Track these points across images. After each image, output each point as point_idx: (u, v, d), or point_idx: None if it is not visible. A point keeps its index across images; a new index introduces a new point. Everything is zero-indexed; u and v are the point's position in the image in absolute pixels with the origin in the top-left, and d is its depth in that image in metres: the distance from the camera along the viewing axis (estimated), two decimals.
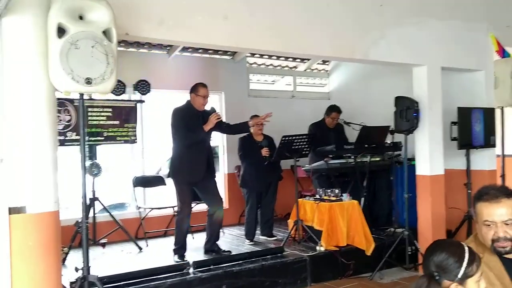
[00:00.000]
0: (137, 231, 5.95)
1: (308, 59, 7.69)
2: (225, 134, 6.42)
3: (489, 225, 1.95)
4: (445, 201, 5.27)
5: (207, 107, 4.95)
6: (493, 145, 5.51)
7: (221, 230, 5.59)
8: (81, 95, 3.04)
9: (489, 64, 5.53)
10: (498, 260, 1.94)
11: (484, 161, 5.58)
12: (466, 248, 1.71)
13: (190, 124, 4.73)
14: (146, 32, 3.53)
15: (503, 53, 5.58)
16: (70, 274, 3.82)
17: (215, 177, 5.05)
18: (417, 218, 5.21)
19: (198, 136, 4.72)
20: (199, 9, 3.72)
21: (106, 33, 2.99)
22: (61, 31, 2.85)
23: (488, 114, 5.41)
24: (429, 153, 5.08)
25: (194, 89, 4.83)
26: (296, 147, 5.36)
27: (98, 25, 2.95)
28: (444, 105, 5.23)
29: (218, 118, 4.77)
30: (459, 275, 1.66)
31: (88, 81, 2.90)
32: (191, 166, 4.75)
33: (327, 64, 8.17)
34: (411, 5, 4.99)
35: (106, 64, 2.96)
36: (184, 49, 6.51)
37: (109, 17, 2.98)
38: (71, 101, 5.11)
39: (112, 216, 5.41)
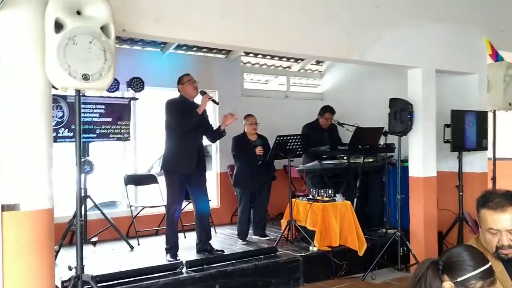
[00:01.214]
0: (128, 230, 5.90)
1: (302, 59, 7.69)
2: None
3: (493, 233, 1.96)
4: (437, 202, 5.30)
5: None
6: (485, 148, 5.55)
7: (212, 229, 5.58)
8: (78, 91, 2.99)
9: (483, 67, 5.58)
10: (500, 264, 1.95)
11: (475, 163, 5.62)
12: (489, 265, 1.64)
13: (186, 112, 4.75)
14: (143, 29, 3.50)
15: (496, 56, 5.63)
16: (61, 272, 3.77)
17: (205, 173, 5.05)
18: (409, 219, 5.24)
19: (193, 120, 4.72)
20: (197, 6, 3.69)
21: (104, 28, 2.95)
22: (58, 26, 2.81)
23: (481, 117, 5.45)
24: (423, 155, 5.10)
25: (179, 81, 4.93)
26: (291, 147, 5.36)
27: (96, 21, 2.91)
28: (437, 107, 5.26)
29: (209, 98, 4.80)
30: (462, 278, 1.60)
31: (86, 77, 2.86)
32: (183, 157, 4.76)
33: (321, 65, 8.18)
34: (407, 7, 5.01)
35: (104, 60, 2.92)
36: (178, 46, 6.48)
37: (107, 12, 2.94)
38: (64, 97, 5.05)
39: (103, 214, 5.36)
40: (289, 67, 7.95)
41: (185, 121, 4.72)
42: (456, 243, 5.30)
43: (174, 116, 4.77)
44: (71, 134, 5.12)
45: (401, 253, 5.13)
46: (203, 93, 4.87)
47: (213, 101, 5.01)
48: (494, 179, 5.70)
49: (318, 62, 8.08)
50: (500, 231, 1.94)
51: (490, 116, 5.65)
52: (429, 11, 5.17)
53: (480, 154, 5.62)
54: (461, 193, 5.36)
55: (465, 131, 5.29)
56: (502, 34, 5.74)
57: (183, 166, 4.76)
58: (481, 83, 5.56)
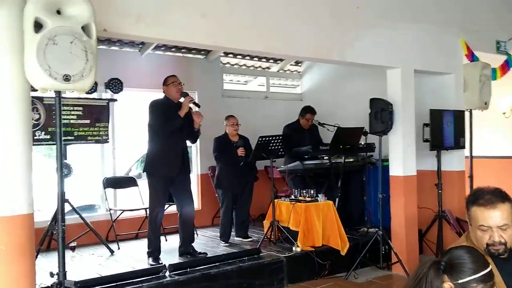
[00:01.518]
0: (107, 234, 5.79)
1: (282, 60, 7.70)
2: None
3: (484, 230, 1.97)
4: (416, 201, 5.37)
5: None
6: (463, 147, 5.66)
7: (194, 232, 5.52)
8: (58, 92, 2.92)
9: (459, 67, 5.69)
10: (490, 260, 1.97)
11: (453, 162, 5.72)
12: (489, 269, 1.65)
13: (168, 114, 4.67)
14: (124, 29, 3.44)
15: (472, 57, 5.75)
16: (40, 279, 3.66)
17: (190, 175, 5.00)
18: (389, 218, 5.29)
19: (175, 123, 4.65)
20: (178, 6, 3.65)
21: (85, 28, 2.89)
22: (38, 26, 2.74)
23: (458, 116, 5.55)
24: (403, 154, 5.16)
25: (164, 82, 4.86)
26: (273, 147, 5.35)
27: (77, 20, 2.85)
28: (416, 107, 5.32)
29: (190, 100, 4.75)
30: (462, 280, 1.61)
31: (67, 78, 2.79)
32: (167, 159, 4.69)
33: (300, 65, 8.21)
34: (385, 8, 5.06)
35: (85, 61, 2.86)
36: (157, 47, 6.39)
37: (89, 12, 2.88)
38: (40, 98, 4.92)
39: (82, 218, 5.23)
40: (268, 67, 7.94)
41: (168, 124, 4.65)
42: (436, 240, 5.39)
43: (156, 119, 4.69)
44: (48, 137, 4.99)
45: (383, 252, 5.18)
46: (185, 95, 4.81)
47: (195, 103, 4.95)
48: (471, 177, 5.81)
49: (297, 63, 8.11)
50: (491, 228, 1.96)
51: (466, 115, 5.77)
52: (407, 12, 5.24)
53: (458, 153, 5.72)
54: (440, 191, 5.44)
55: (443, 130, 5.38)
56: (477, 34, 5.87)
57: (167, 169, 4.69)
58: (457, 83, 5.67)
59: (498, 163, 7.20)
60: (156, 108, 4.73)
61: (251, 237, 5.71)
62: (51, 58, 2.73)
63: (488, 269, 1.64)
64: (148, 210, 4.90)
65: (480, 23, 5.97)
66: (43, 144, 4.95)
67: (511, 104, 7.52)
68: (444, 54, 5.55)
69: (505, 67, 6.19)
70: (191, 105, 4.83)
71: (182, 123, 4.70)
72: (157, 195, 4.76)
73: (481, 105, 5.69)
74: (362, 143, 5.78)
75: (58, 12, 2.83)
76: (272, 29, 4.22)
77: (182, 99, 4.82)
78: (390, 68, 5.19)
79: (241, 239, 5.67)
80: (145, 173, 4.93)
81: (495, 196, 1.98)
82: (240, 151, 5.51)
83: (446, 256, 1.69)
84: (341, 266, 5.06)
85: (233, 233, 5.74)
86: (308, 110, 6.24)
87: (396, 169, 5.23)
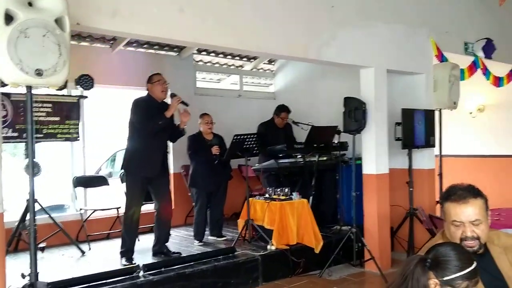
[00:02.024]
0: (77, 234, 5.64)
1: (255, 58, 7.69)
2: None
3: (457, 225, 2.00)
4: None
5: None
6: (433, 145, 5.78)
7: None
8: (30, 88, 2.81)
9: (429, 67, 5.81)
10: None
11: (424, 160, 5.83)
12: (474, 266, 1.67)
13: (152, 114, 4.57)
14: (98, 23, 3.35)
15: (441, 57, 5.88)
16: (9, 281, 3.52)
17: (168, 175, 4.94)
18: (362, 216, 5.35)
19: (158, 123, 4.55)
20: (156, 0, 3.58)
21: (58, 21, 2.80)
22: (8, 18, 2.63)
23: (429, 115, 5.66)
24: (375, 153, 5.23)
25: (149, 80, 4.75)
26: (247, 146, 5.33)
27: (50, 13, 2.76)
28: (388, 106, 5.40)
29: (178, 100, 4.65)
30: (448, 278, 1.63)
31: (39, 73, 2.69)
32: (146, 159, 4.59)
33: (273, 64, 8.22)
34: (359, 8, 5.12)
35: (59, 55, 2.77)
36: (129, 43, 6.28)
37: (62, 4, 2.80)
38: (8, 95, 4.76)
39: (52, 218, 5.08)
40: (241, 66, 7.92)
41: (151, 124, 4.54)
42: (408, 237, 5.48)
43: (139, 118, 4.58)
44: (16, 134, 4.83)
45: (356, 249, 5.24)
46: (173, 95, 4.71)
47: (183, 102, 4.80)
48: (440, 175, 5.95)
49: (270, 61, 8.11)
50: (463, 223, 1.98)
51: (436, 114, 5.89)
52: (380, 12, 5.32)
53: (428, 151, 5.84)
54: (411, 189, 5.54)
55: (415, 129, 5.47)
56: (447, 36, 6.00)
57: (147, 168, 4.60)
58: (428, 83, 5.78)
59: (467, 161, 7.41)
60: (138, 106, 4.63)
61: (225, 236, 5.67)
62: (22, 52, 2.63)
63: (473, 266, 1.66)
64: (124, 209, 4.76)
65: (450, 24, 6.11)
66: (10, 142, 4.80)
67: (477, 105, 7.76)
68: (415, 55, 5.65)
69: (472, 68, 6.35)
70: (180, 105, 4.73)
71: (168, 123, 4.61)
72: (135, 194, 4.67)
73: (450, 105, 5.83)
74: (336, 142, 5.82)
75: (30, 4, 2.73)
76: (249, 27, 4.21)
77: (168, 99, 4.72)
78: (363, 68, 5.25)
79: (215, 238, 5.64)
80: (122, 171, 4.80)
81: (468, 192, 2.01)
82: (215, 150, 5.47)
83: (432, 253, 1.70)
84: (315, 264, 5.09)
85: (207, 232, 5.69)
86: (283, 109, 6.25)
87: (369, 167, 5.29)
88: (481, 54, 6.39)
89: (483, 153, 7.43)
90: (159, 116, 4.55)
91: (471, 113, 7.76)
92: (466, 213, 1.98)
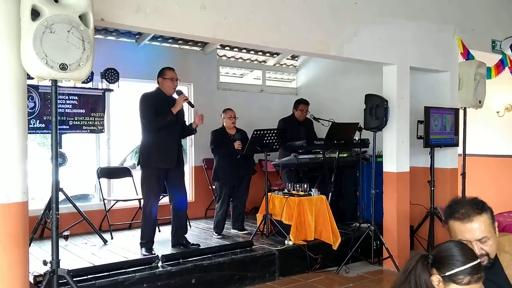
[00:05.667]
0: (101, 223, 5.80)
1: (278, 54, 7.70)
2: None
3: (464, 243, 1.92)
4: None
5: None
6: (456, 144, 5.70)
7: (187, 223, 5.53)
8: (55, 81, 2.91)
9: (454, 65, 5.71)
10: None
11: (446, 159, 5.76)
12: (477, 261, 1.65)
13: (159, 108, 4.64)
14: (122, 19, 3.41)
15: (467, 55, 5.78)
16: (33, 267, 3.66)
17: (183, 167, 5.01)
18: (382, 214, 5.33)
19: (166, 119, 4.62)
20: None
21: (82, 17, 2.87)
22: (35, 14, 2.72)
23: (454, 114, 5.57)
24: (396, 151, 5.19)
25: (161, 73, 4.78)
26: (267, 141, 5.36)
27: (75, 9, 2.83)
28: (411, 104, 5.35)
29: (185, 99, 4.71)
30: (450, 272, 1.62)
31: (63, 67, 2.78)
32: (163, 151, 4.66)
33: (296, 60, 8.21)
34: (383, 4, 5.07)
35: (82, 50, 2.85)
36: (154, 38, 6.38)
37: (87, 1, 2.87)
38: (35, 87, 4.91)
39: (76, 207, 5.24)
40: (264, 61, 7.94)
41: (158, 120, 4.61)
42: (428, 237, 5.44)
43: (146, 113, 4.65)
44: (43, 125, 4.99)
45: (375, 247, 5.22)
46: (180, 92, 4.77)
47: (189, 103, 4.90)
48: (463, 174, 5.85)
49: (293, 57, 8.11)
50: (470, 242, 1.90)
51: (461, 113, 5.80)
52: (404, 9, 5.25)
53: (451, 150, 5.76)
54: (432, 188, 5.48)
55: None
56: (473, 33, 5.89)
57: (163, 161, 4.67)
58: (452, 81, 5.69)
59: (492, 161, 7.26)
60: (146, 102, 4.68)
61: (247, 230, 5.73)
62: (48, 47, 2.72)
63: (476, 261, 1.65)
64: (142, 201, 4.87)
65: (477, 22, 6.00)
66: (37, 133, 4.95)
67: (505, 104, 7.57)
68: (440, 52, 5.57)
69: (500, 66, 6.21)
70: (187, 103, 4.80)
71: (174, 119, 4.68)
72: (152, 188, 4.74)
73: (475, 104, 5.72)
74: (356, 139, 5.80)
75: (56, 0, 2.81)
76: (270, 23, 4.22)
77: (175, 95, 4.79)
78: (386, 65, 5.21)
79: (237, 231, 5.70)
80: (138, 166, 4.90)
81: (471, 209, 1.92)
82: (237, 145, 5.52)
83: (435, 250, 1.71)
84: (332, 260, 5.10)
85: (229, 225, 5.76)
86: (300, 102, 6.28)
87: (390, 165, 5.25)
88: (509, 52, 6.24)
89: (509, 153, 7.26)
90: (166, 112, 4.61)
91: (498, 112, 7.58)
92: (472, 232, 1.90)
